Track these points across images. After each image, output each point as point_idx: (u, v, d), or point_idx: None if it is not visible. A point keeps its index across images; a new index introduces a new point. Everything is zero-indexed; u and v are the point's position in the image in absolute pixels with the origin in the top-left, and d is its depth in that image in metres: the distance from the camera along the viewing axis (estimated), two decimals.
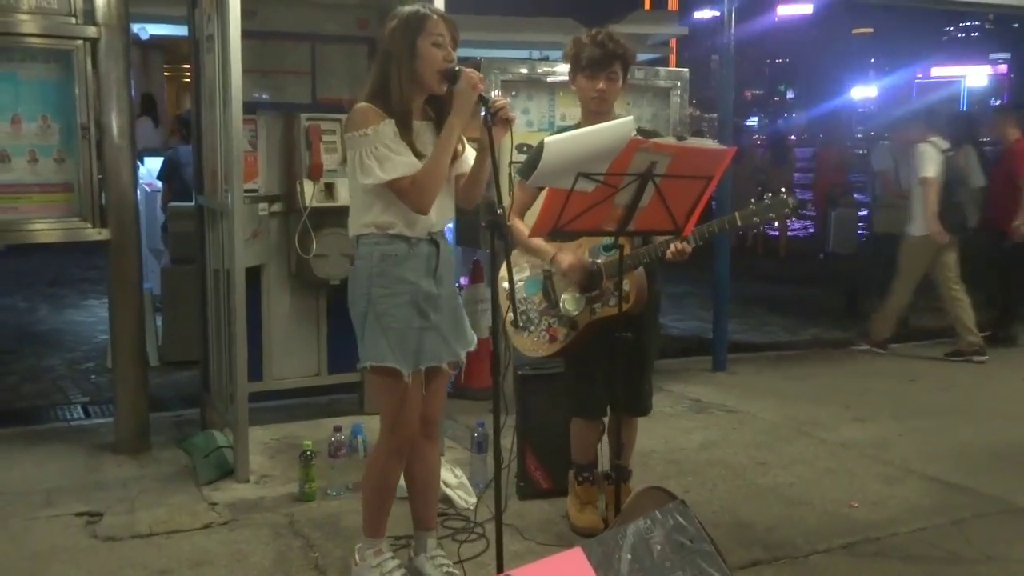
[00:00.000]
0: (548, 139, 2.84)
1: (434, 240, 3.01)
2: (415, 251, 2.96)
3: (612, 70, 3.41)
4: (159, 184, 7.82)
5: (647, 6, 16.76)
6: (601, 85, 3.41)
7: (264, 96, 4.87)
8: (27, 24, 4.24)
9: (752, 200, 3.24)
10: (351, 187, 3.02)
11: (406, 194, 2.86)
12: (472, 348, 3.17)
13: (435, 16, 2.92)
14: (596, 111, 3.43)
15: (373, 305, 2.94)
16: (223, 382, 4.47)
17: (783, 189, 3.24)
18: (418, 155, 2.88)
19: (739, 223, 3.25)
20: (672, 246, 3.23)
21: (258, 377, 4.82)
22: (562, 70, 5.57)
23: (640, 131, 3.21)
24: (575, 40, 3.51)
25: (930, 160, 6.63)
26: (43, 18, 4.27)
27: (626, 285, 3.33)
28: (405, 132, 2.88)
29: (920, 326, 8.01)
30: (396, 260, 2.93)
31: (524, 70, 5.33)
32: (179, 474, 4.26)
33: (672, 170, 2.88)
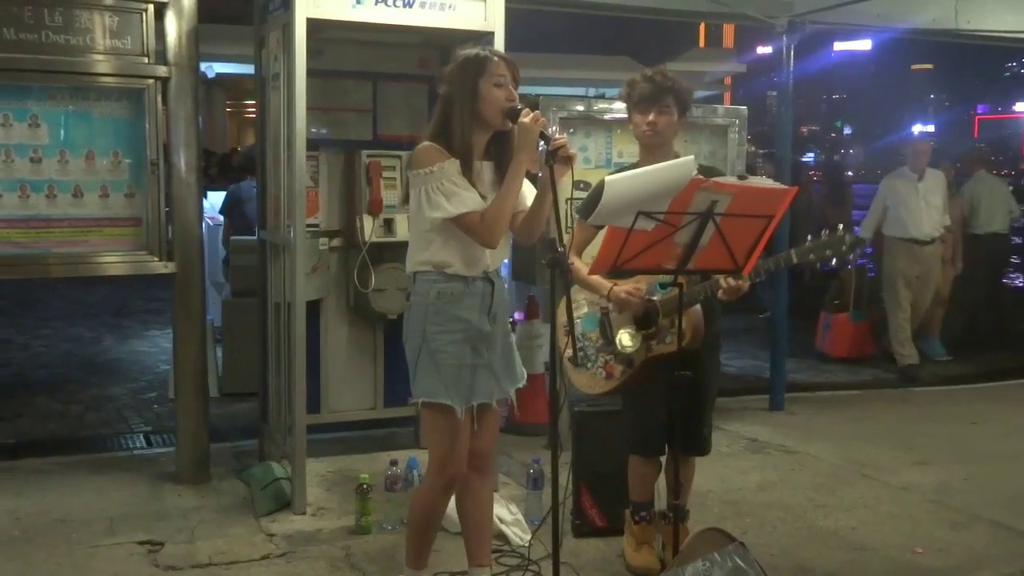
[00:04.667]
0: (608, 178, 2.86)
1: (489, 279, 3.04)
2: (471, 289, 3.00)
3: (664, 104, 3.44)
4: (221, 218, 8.01)
5: (702, 44, 16.76)
6: (651, 118, 3.44)
7: (325, 131, 4.96)
8: (102, 64, 4.40)
9: (809, 236, 3.23)
10: (411, 225, 3.08)
11: (474, 230, 2.91)
12: (521, 385, 3.19)
13: (495, 57, 2.98)
14: (650, 146, 3.46)
15: (427, 342, 2.97)
16: (281, 414, 4.53)
17: (840, 226, 3.22)
18: (479, 194, 2.93)
19: (795, 260, 3.25)
20: (725, 281, 3.23)
21: (315, 409, 4.87)
22: (619, 107, 5.63)
23: (701, 168, 3.21)
24: (629, 80, 3.57)
25: None
26: (117, 59, 4.42)
27: (682, 322, 3.31)
28: (467, 171, 2.93)
29: (985, 369, 7.84)
30: (452, 298, 2.97)
31: (581, 108, 5.37)
32: (238, 505, 4.32)
33: (733, 209, 2.88)
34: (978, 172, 9.75)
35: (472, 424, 3.05)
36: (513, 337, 3.26)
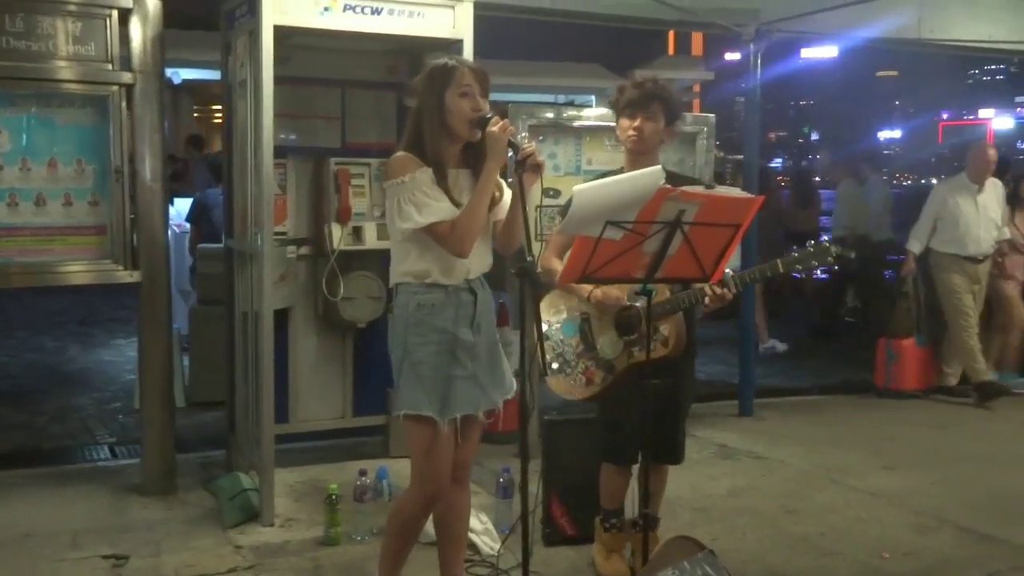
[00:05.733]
0: (576, 187, 2.86)
1: (472, 289, 3.02)
2: (452, 300, 2.97)
3: (651, 111, 3.43)
4: (188, 226, 7.92)
5: (671, 51, 16.82)
6: (637, 123, 3.43)
7: (293, 137, 4.92)
8: (65, 71, 4.34)
9: (795, 247, 3.24)
10: (391, 236, 3.06)
11: (445, 239, 2.89)
12: (510, 396, 3.14)
13: (461, 67, 2.96)
14: (634, 151, 3.46)
15: (409, 354, 2.95)
16: (249, 424, 4.49)
17: (826, 238, 3.23)
18: (455, 203, 2.91)
19: (781, 270, 3.25)
20: (710, 289, 3.23)
21: (284, 419, 4.83)
22: (589, 115, 5.66)
23: (671, 175, 3.22)
24: (619, 85, 3.57)
25: None
26: (80, 65, 4.36)
27: (665, 329, 3.32)
28: (442, 180, 2.91)
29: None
30: (432, 309, 2.95)
31: (550, 115, 5.37)
32: (205, 516, 4.26)
33: (701, 218, 2.89)
34: (846, 180, 9.49)
35: (456, 437, 3.01)
36: (500, 347, 3.20)
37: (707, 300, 3.28)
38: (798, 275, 10.70)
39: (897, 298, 7.34)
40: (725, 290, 3.23)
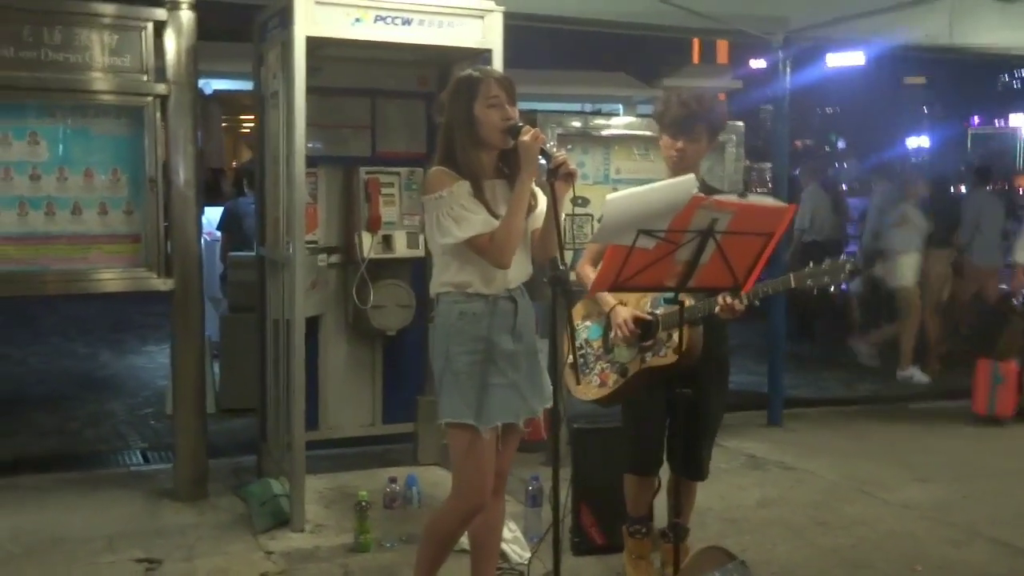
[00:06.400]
0: (609, 196, 2.87)
1: (512, 297, 3.03)
2: (493, 308, 2.97)
3: (694, 133, 3.44)
4: (218, 234, 8.00)
5: (696, 60, 16.80)
6: (680, 144, 3.44)
7: (323, 148, 4.96)
8: (101, 82, 4.41)
9: (811, 262, 3.23)
10: (431, 248, 3.09)
11: (485, 251, 2.90)
12: (549, 404, 3.12)
13: (487, 78, 2.97)
14: (676, 169, 3.46)
15: (450, 362, 2.96)
16: (280, 430, 4.52)
17: (843, 255, 3.21)
18: (493, 215, 2.92)
19: (793, 285, 3.23)
20: (723, 300, 3.23)
21: (314, 426, 4.85)
22: (617, 124, 5.67)
23: (704, 185, 3.22)
24: (664, 98, 3.57)
25: None
26: (116, 76, 4.43)
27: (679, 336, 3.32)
28: (479, 192, 2.92)
29: None
30: (474, 318, 2.96)
31: (578, 124, 5.38)
32: (236, 522, 4.30)
33: (733, 227, 2.88)
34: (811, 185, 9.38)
35: (496, 446, 3.01)
36: (542, 356, 3.21)
37: (718, 311, 3.28)
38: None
39: (1007, 315, 6.93)
40: (736, 300, 3.23)
